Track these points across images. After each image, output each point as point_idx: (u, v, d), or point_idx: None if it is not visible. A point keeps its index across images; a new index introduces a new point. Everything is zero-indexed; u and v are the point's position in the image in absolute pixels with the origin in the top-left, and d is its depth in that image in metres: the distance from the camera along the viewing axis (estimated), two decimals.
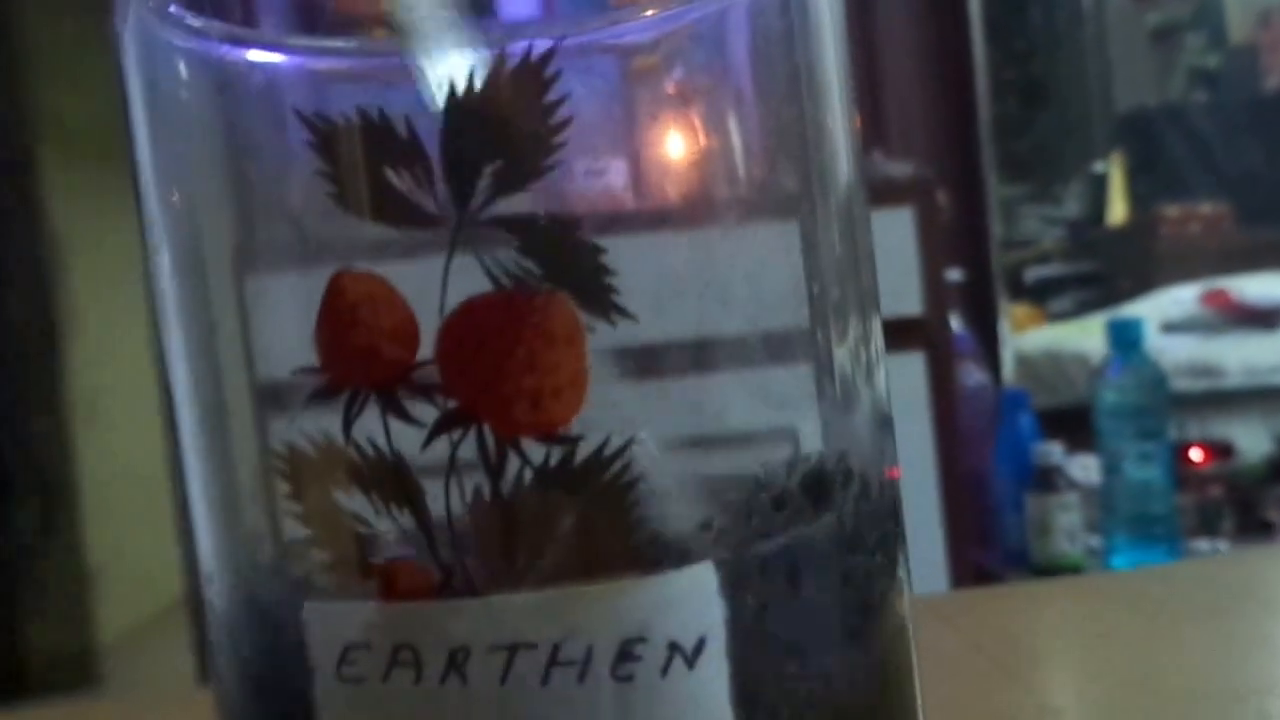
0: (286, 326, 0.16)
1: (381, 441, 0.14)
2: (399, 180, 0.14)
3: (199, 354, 0.16)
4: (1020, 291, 3.18)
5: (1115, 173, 3.38)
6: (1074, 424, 2.06)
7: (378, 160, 0.14)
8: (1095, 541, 1.97)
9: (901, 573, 0.17)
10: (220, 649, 0.16)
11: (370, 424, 0.14)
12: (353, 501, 0.15)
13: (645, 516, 0.15)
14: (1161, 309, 2.92)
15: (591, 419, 0.14)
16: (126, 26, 0.17)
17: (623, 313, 0.15)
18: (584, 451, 0.14)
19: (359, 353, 0.14)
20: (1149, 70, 3.45)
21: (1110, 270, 3.37)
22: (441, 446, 0.14)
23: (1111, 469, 1.92)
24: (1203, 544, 1.95)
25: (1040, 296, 3.23)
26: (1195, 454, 2.13)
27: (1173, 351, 2.67)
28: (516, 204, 0.14)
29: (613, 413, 0.15)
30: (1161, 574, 0.48)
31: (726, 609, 0.14)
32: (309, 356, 0.15)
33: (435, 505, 0.14)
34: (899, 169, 1.83)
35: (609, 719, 0.14)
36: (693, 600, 0.14)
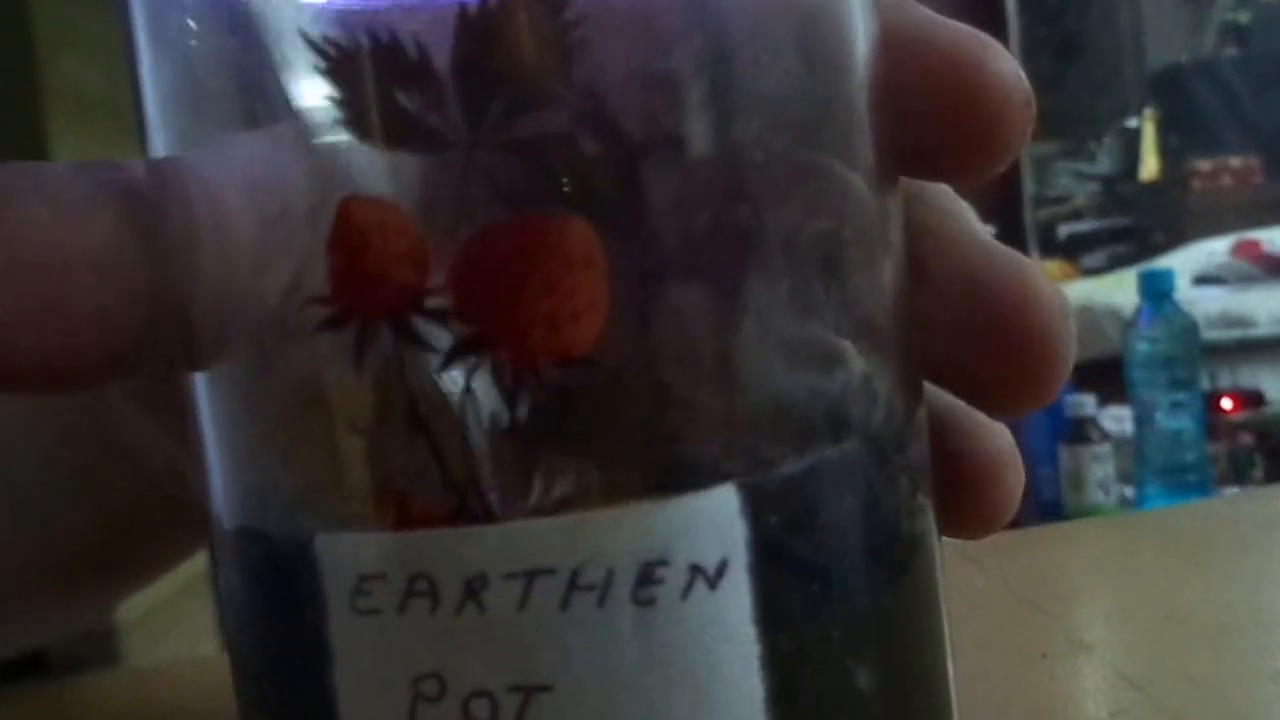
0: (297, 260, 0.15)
1: (393, 369, 0.14)
2: (410, 103, 0.14)
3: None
4: (1053, 247, 3.16)
5: (1148, 128, 3.35)
6: (1107, 377, 2.06)
7: (388, 83, 0.14)
8: (1128, 492, 1.98)
9: (928, 502, 0.17)
10: (230, 593, 0.16)
11: (382, 352, 0.14)
12: (364, 431, 0.15)
13: (665, 439, 0.14)
14: (1193, 261, 2.92)
15: (611, 345, 0.14)
16: None
17: (644, 236, 0.15)
18: (603, 375, 0.14)
19: (369, 280, 0.14)
20: (1181, 26, 3.42)
21: (1142, 225, 3.35)
22: (456, 373, 0.14)
23: (1143, 419, 1.92)
24: (1234, 491, 1.95)
25: (1073, 252, 3.21)
26: (1226, 403, 2.13)
27: (1204, 303, 2.66)
28: (531, 126, 0.14)
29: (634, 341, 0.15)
30: (1191, 512, 0.48)
31: (749, 531, 0.14)
32: (320, 288, 0.15)
33: (449, 432, 0.14)
34: None
35: (630, 642, 0.14)
36: (714, 522, 0.14)
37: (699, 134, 0.15)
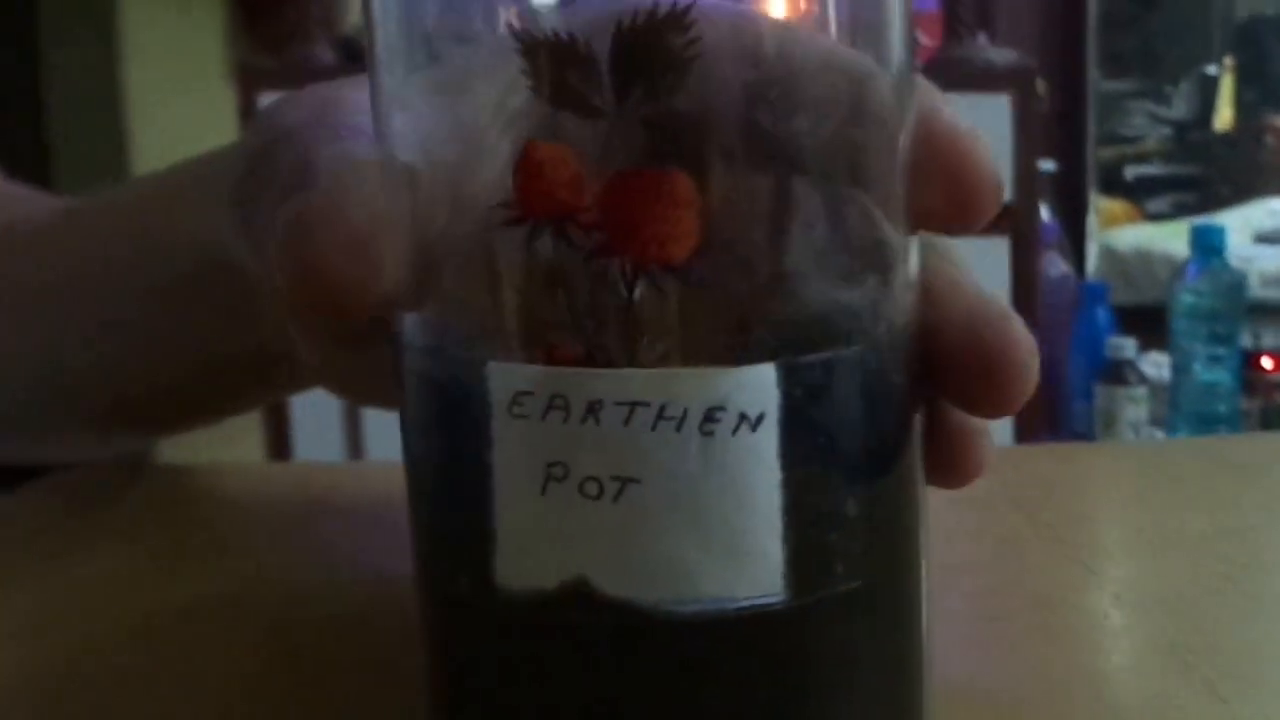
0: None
1: (553, 259, 0.21)
2: (576, 82, 0.21)
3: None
4: (1119, 187, 3.15)
5: (1226, 77, 3.32)
6: (1155, 322, 2.10)
7: (563, 67, 0.21)
8: (1159, 435, 2.03)
9: (914, 405, 0.24)
10: (413, 399, 0.23)
11: (546, 246, 0.21)
12: (531, 297, 0.22)
13: (732, 327, 0.21)
14: (1258, 218, 2.91)
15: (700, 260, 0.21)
16: None
17: (728, 191, 0.21)
18: (692, 279, 0.21)
19: (541, 195, 0.21)
20: None
21: (1211, 175, 3.33)
22: (594, 265, 0.21)
23: (1181, 368, 1.97)
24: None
25: (1138, 194, 3.21)
26: (1267, 362, 2.17)
27: (1262, 261, 2.67)
28: (659, 107, 0.21)
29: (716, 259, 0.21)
30: (1192, 445, 0.54)
31: (781, 396, 0.21)
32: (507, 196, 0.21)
33: (587, 304, 0.21)
34: (1002, 56, 1.85)
35: (695, 458, 0.21)
36: (758, 387, 0.21)
37: (771, 126, 0.21)
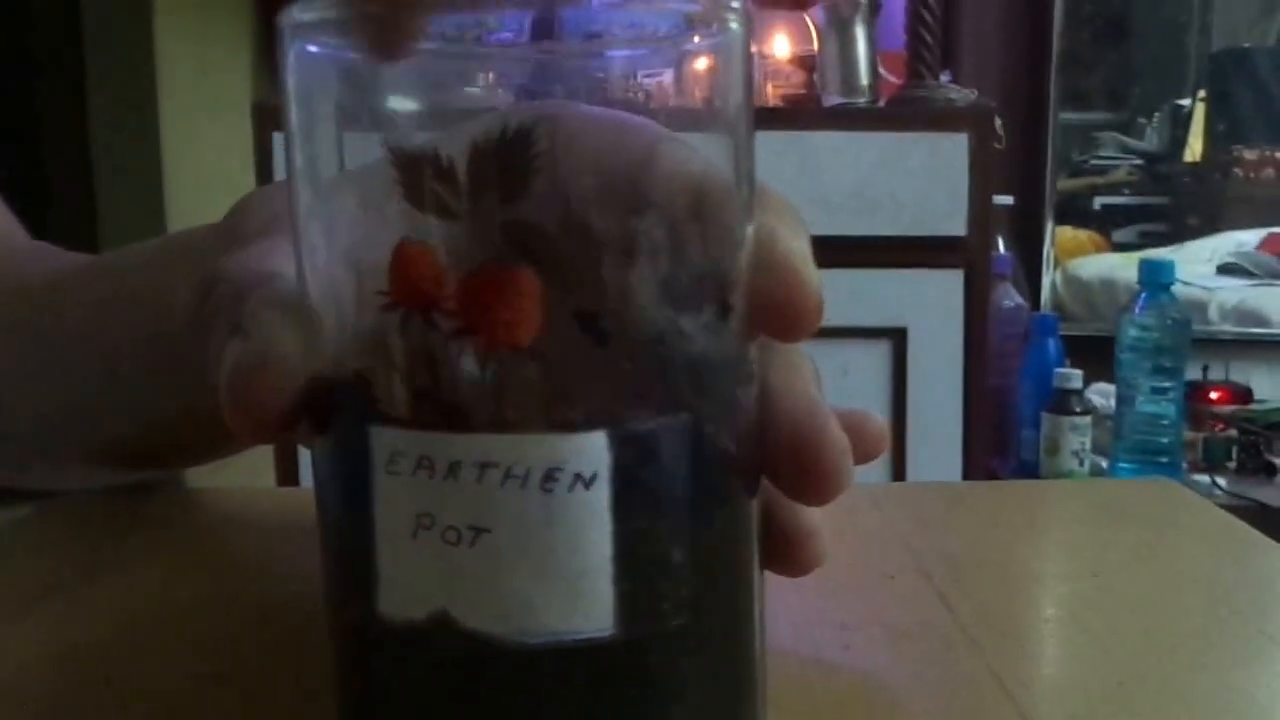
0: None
1: (420, 340, 0.25)
2: (440, 190, 0.25)
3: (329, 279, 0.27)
4: (1088, 217, 3.20)
5: (1199, 109, 3.36)
6: (1109, 353, 2.14)
7: (428, 178, 0.25)
8: (1103, 463, 2.08)
9: (739, 473, 0.27)
10: (319, 456, 0.27)
11: (415, 329, 0.25)
12: (401, 372, 0.25)
13: (568, 399, 0.25)
14: (1223, 250, 2.95)
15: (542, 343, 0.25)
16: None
17: (563, 285, 0.25)
18: (534, 359, 0.25)
19: (410, 287, 0.25)
20: (1249, 12, 3.42)
21: (1179, 206, 3.37)
22: (453, 346, 0.25)
23: (1125, 399, 2.02)
24: (1203, 478, 2.04)
25: (1106, 224, 3.25)
26: (1214, 394, 2.21)
27: (1223, 293, 2.71)
28: (508, 213, 0.25)
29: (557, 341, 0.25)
30: (1072, 487, 0.59)
31: (611, 459, 0.25)
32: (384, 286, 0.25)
33: (448, 378, 0.25)
34: (962, 95, 1.89)
35: (537, 511, 0.24)
36: (591, 451, 0.25)
37: (602, 228, 0.25)
